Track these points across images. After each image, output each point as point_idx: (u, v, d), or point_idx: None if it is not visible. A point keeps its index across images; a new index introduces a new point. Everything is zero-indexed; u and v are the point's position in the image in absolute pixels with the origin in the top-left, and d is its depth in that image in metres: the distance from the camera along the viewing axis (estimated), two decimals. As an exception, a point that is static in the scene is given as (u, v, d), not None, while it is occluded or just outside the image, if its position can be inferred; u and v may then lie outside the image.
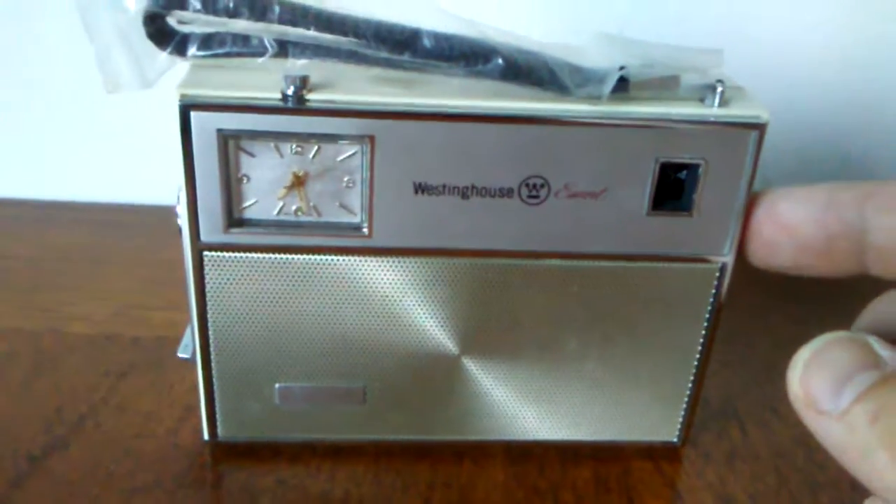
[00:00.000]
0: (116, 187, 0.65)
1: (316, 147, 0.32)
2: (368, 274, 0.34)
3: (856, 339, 0.23)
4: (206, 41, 0.31)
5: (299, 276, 0.34)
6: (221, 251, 0.34)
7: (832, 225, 0.29)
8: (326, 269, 0.34)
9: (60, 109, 0.63)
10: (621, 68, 0.32)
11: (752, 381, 0.46)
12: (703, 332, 0.37)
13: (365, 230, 0.33)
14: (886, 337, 0.24)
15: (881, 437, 0.21)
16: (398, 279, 0.35)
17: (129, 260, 0.56)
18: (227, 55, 0.31)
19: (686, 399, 0.39)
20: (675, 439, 0.40)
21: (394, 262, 0.34)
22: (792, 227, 0.30)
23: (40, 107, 0.63)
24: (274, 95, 0.31)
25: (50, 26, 0.60)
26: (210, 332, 0.36)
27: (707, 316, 0.36)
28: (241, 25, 0.31)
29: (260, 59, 0.31)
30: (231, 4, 0.30)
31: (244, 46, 0.31)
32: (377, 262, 0.34)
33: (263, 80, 0.31)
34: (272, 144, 0.32)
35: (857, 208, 0.28)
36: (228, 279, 0.34)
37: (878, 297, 0.29)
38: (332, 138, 0.32)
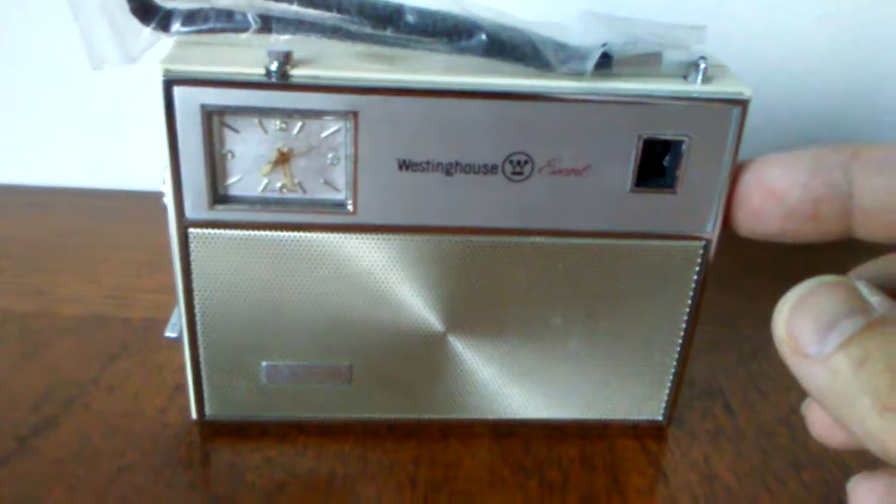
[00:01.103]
0: (109, 173, 0.65)
1: (300, 123, 0.32)
2: (353, 251, 0.35)
3: (843, 283, 0.23)
4: (190, 17, 0.31)
5: (284, 254, 0.34)
6: (206, 228, 0.34)
7: (819, 188, 0.29)
8: (311, 246, 0.34)
9: (52, 95, 0.63)
10: (604, 45, 0.32)
11: (737, 361, 0.47)
12: (688, 309, 0.37)
13: (350, 207, 0.34)
14: (886, 288, 0.23)
15: (865, 384, 0.21)
16: (383, 256, 0.35)
17: (120, 244, 0.56)
18: (211, 31, 0.31)
19: (671, 377, 0.39)
20: (660, 418, 0.40)
21: (379, 239, 0.34)
22: (779, 192, 0.30)
23: (32, 92, 0.63)
24: (258, 71, 0.31)
25: (37, 6, 0.60)
26: (196, 311, 0.36)
27: (691, 293, 0.36)
28: (225, 1, 0.31)
29: (243, 35, 0.31)
30: (214, -21, 0.30)
31: (228, 22, 0.31)
32: (362, 239, 0.34)
33: (247, 55, 0.31)
34: (256, 120, 0.32)
35: (843, 170, 0.28)
36: (214, 256, 0.34)
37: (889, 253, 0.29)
38: (316, 114, 0.32)
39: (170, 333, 0.38)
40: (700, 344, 0.41)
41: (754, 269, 0.52)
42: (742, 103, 0.32)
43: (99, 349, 0.45)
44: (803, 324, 0.23)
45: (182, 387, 0.40)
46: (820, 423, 0.28)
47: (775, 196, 0.30)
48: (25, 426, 0.39)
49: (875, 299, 0.22)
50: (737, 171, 0.32)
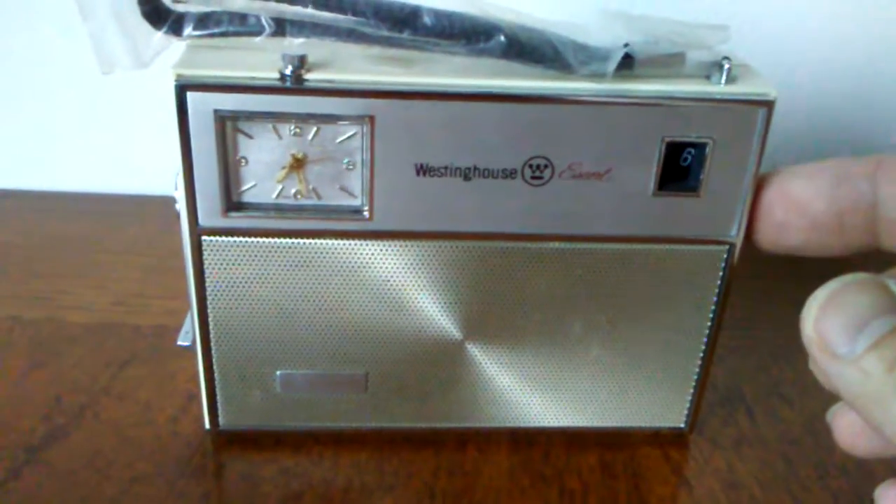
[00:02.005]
0: (117, 177, 0.65)
1: (315, 128, 0.31)
2: (369, 258, 0.34)
3: (875, 282, 0.22)
4: (203, 20, 0.30)
5: (299, 261, 0.34)
6: (220, 235, 0.33)
7: (843, 200, 0.28)
8: (327, 253, 0.34)
9: (60, 99, 0.63)
10: (626, 45, 0.31)
11: (759, 367, 0.46)
12: (711, 315, 0.36)
13: (366, 213, 0.33)
14: None
15: None
16: (400, 263, 0.34)
17: (129, 249, 0.56)
18: (224, 34, 0.30)
19: (693, 384, 0.38)
20: (682, 425, 0.40)
21: (395, 245, 0.34)
22: (803, 204, 0.29)
23: (40, 97, 0.63)
24: (272, 75, 0.30)
25: (45, 11, 0.59)
26: (210, 319, 0.35)
27: (714, 299, 0.36)
28: (238, 4, 0.30)
29: (257, 39, 0.30)
30: (227, -18, 0.29)
31: (241, 25, 0.30)
32: (378, 245, 0.34)
33: (261, 59, 0.31)
34: (270, 125, 0.31)
35: (868, 181, 0.27)
36: (227, 264, 0.34)
37: None
38: (331, 119, 0.31)
39: (182, 342, 0.37)
40: (721, 349, 0.40)
41: (773, 272, 0.52)
42: (768, 104, 0.31)
43: (109, 357, 0.44)
44: (833, 323, 0.22)
45: (195, 396, 0.40)
46: (846, 432, 0.28)
47: (799, 208, 0.30)
48: (36, 436, 0.38)
49: None
50: (759, 183, 0.32)
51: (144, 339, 0.46)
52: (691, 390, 0.38)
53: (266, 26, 0.30)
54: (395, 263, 0.34)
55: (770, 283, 0.51)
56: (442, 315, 0.35)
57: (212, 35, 0.30)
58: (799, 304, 0.23)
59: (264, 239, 0.33)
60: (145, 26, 0.30)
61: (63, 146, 0.64)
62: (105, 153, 0.64)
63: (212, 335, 0.35)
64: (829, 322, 0.22)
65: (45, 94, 0.62)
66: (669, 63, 0.32)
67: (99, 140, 0.64)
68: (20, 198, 0.64)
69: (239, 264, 0.34)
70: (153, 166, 0.51)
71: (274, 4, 0.30)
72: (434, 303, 0.35)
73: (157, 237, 0.56)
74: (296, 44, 0.30)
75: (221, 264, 0.34)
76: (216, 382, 0.37)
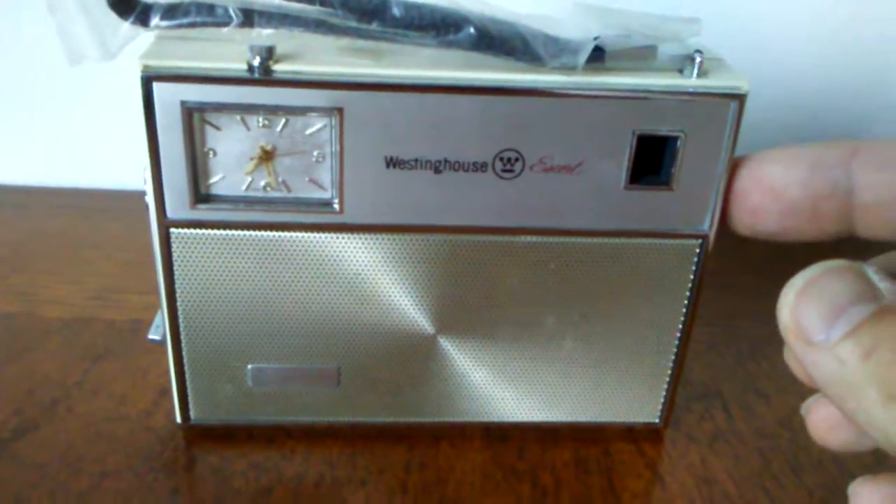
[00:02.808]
0: (94, 172, 0.64)
1: (283, 120, 0.31)
2: (340, 251, 0.34)
3: (852, 268, 0.22)
4: (170, 11, 0.30)
5: (269, 254, 0.34)
6: (188, 228, 0.33)
7: (819, 185, 0.28)
8: (297, 246, 0.33)
9: (35, 92, 0.62)
10: (596, 38, 0.31)
11: (735, 362, 0.46)
12: (684, 308, 0.36)
13: (336, 206, 0.33)
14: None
15: (872, 374, 0.20)
16: (371, 256, 0.34)
17: (106, 244, 0.56)
18: (192, 25, 0.30)
19: (668, 379, 0.38)
20: (656, 420, 0.39)
21: (366, 238, 0.34)
22: (778, 190, 0.29)
23: (14, 91, 0.62)
24: (239, 66, 0.30)
25: (15, 3, 0.59)
26: (179, 313, 0.35)
27: (688, 292, 0.36)
28: (206, -6, 0.30)
29: (225, 29, 0.30)
30: (193, -29, 0.29)
31: (209, 16, 0.30)
32: (349, 238, 0.33)
33: (229, 50, 0.30)
34: (238, 117, 0.31)
35: (844, 167, 0.27)
36: (196, 257, 0.33)
37: None
38: (299, 111, 0.31)
39: (153, 336, 0.37)
40: (696, 344, 0.40)
41: (750, 267, 0.52)
42: (739, 98, 0.31)
43: (83, 351, 0.44)
44: (810, 310, 0.22)
45: (167, 390, 0.39)
46: (821, 425, 0.27)
47: (774, 193, 0.29)
48: (6, 429, 0.38)
49: (884, 285, 0.22)
50: (734, 168, 0.31)
51: (119, 333, 0.46)
52: (665, 385, 0.38)
53: (234, 17, 0.30)
54: (366, 257, 0.34)
55: (749, 280, 0.51)
56: (414, 309, 0.35)
57: (179, 26, 0.30)
58: (775, 299, 0.23)
59: (233, 231, 0.33)
60: (112, 17, 0.30)
61: (40, 140, 0.64)
62: (77, 146, 0.64)
63: (182, 329, 0.35)
64: (805, 309, 0.22)
65: (13, 85, 0.62)
66: (641, 56, 0.32)
67: (75, 134, 0.63)
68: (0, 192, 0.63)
69: (208, 257, 0.33)
70: (126, 159, 0.51)
71: (242, -5, 0.30)
72: (406, 296, 0.35)
73: (136, 232, 0.55)
74: (264, 35, 0.30)
75: (190, 257, 0.33)
76: (187, 376, 0.37)
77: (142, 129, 0.31)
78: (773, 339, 0.23)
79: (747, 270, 0.51)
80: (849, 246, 0.28)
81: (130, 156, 0.56)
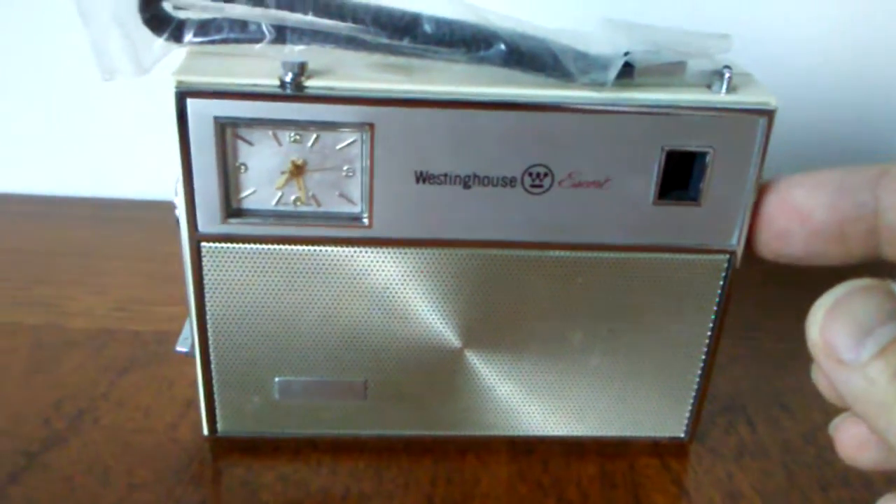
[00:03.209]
0: (118, 183, 0.65)
1: (315, 135, 0.31)
2: (369, 265, 0.34)
3: (881, 287, 0.22)
4: (203, 27, 0.30)
5: (299, 268, 0.34)
6: (219, 242, 0.33)
7: (845, 208, 0.28)
8: (326, 260, 0.34)
9: (62, 103, 0.63)
10: (626, 54, 0.31)
11: (760, 376, 0.46)
12: (711, 324, 0.36)
13: (365, 220, 0.33)
14: None
15: None
16: (399, 270, 0.34)
17: (130, 255, 0.56)
18: (225, 41, 0.31)
19: (693, 393, 0.38)
20: (682, 434, 0.39)
21: (395, 252, 0.34)
22: (805, 213, 0.29)
23: (42, 102, 0.63)
24: (272, 82, 0.30)
25: (47, 17, 0.59)
26: (208, 325, 0.35)
27: (715, 308, 0.36)
28: (239, 11, 0.30)
29: (257, 46, 0.30)
30: (228, -11, 0.29)
31: (241, 32, 0.30)
32: (378, 252, 0.34)
33: (261, 66, 0.31)
34: (270, 132, 0.31)
35: (870, 190, 0.27)
36: (227, 271, 0.34)
37: None
38: (331, 126, 0.31)
39: (181, 348, 0.37)
40: (722, 358, 0.40)
41: (774, 279, 0.51)
42: (768, 114, 0.31)
43: (108, 363, 0.44)
44: (839, 329, 0.22)
45: (194, 402, 0.39)
46: (850, 443, 0.27)
47: (801, 217, 0.29)
48: (35, 441, 0.38)
49: None
50: (760, 192, 0.32)
51: (145, 345, 0.46)
52: (691, 400, 0.38)
53: (266, 33, 0.30)
54: (394, 271, 0.34)
55: (773, 292, 0.51)
56: (441, 323, 0.35)
57: (212, 42, 0.31)
58: (802, 314, 0.23)
59: (264, 245, 0.33)
60: (146, 33, 0.30)
61: (65, 150, 0.64)
62: (108, 158, 0.64)
63: (210, 341, 0.35)
64: (834, 328, 0.22)
65: (44, 97, 0.62)
66: (670, 72, 0.32)
67: (101, 144, 0.64)
68: (23, 202, 0.64)
69: (238, 271, 0.34)
70: (157, 171, 0.51)
71: (274, 12, 0.30)
72: (433, 310, 0.35)
73: (160, 242, 0.56)
74: (296, 51, 0.30)
75: (221, 271, 0.34)
76: (214, 388, 0.37)
77: (165, 139, 0.31)
78: (798, 354, 0.23)
79: (769, 281, 0.51)
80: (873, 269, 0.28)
81: (155, 166, 0.57)
